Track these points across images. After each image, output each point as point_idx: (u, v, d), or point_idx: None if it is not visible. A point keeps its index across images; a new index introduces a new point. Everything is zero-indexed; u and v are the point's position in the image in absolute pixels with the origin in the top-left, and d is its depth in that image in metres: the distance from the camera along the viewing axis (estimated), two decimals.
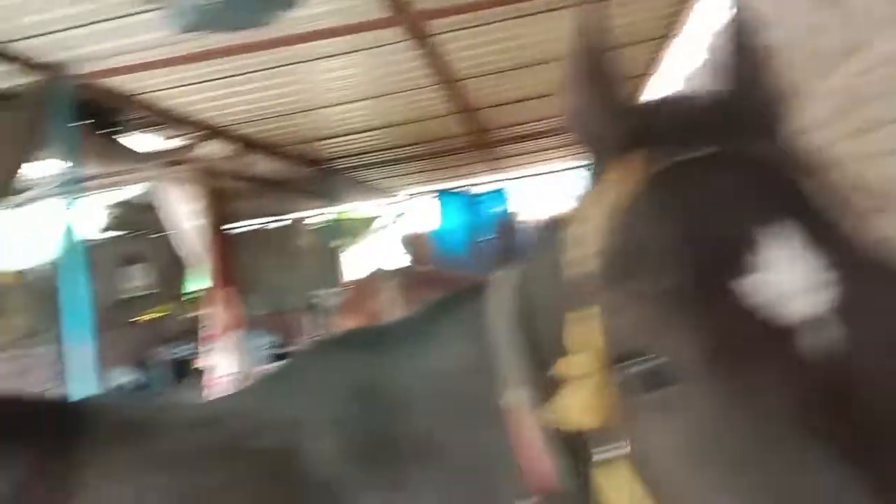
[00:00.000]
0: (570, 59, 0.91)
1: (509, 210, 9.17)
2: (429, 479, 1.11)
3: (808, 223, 0.77)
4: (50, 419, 1.45)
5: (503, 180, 9.30)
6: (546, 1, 3.58)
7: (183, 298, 8.37)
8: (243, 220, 7.03)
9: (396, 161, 7.60)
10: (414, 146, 7.12)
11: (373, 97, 5.21)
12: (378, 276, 5.13)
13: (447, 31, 4.01)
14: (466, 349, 1.14)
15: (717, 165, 0.83)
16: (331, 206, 8.14)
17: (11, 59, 3.40)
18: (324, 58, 4.18)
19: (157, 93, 4.24)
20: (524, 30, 4.17)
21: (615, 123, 0.90)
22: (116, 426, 1.40)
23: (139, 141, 4.74)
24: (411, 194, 9.59)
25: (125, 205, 6.88)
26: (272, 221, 8.66)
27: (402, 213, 9.68)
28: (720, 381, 0.71)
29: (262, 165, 6.19)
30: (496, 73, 4.97)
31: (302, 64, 4.24)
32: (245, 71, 4.18)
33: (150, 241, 7.89)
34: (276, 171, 6.68)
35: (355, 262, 9.32)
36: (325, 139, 6.29)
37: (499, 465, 1.05)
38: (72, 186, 3.82)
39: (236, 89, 4.49)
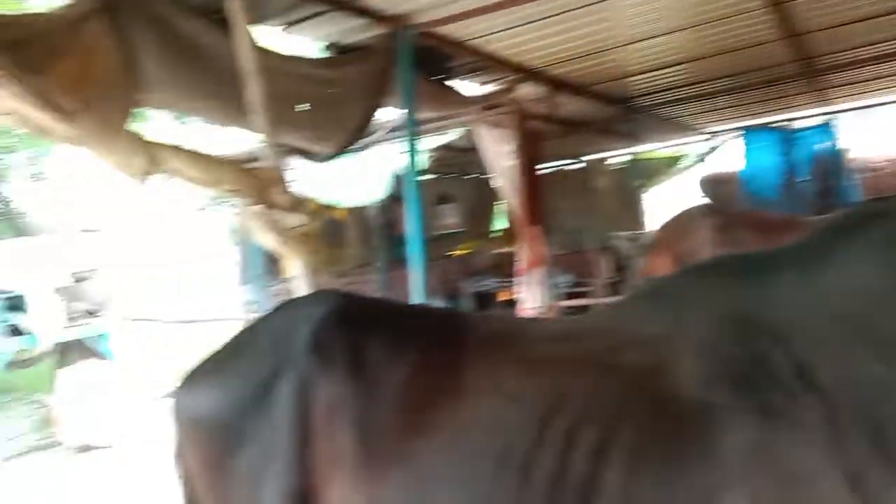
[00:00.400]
0: None
1: (836, 147, 8.08)
2: (810, 409, 1.07)
3: None
4: (435, 322, 1.68)
5: (829, 114, 8.23)
6: None
7: (489, 236, 8.92)
8: (550, 160, 7.19)
9: (705, 96, 7.15)
10: (725, 79, 6.62)
11: (684, 28, 4.94)
12: (691, 216, 4.94)
13: None
14: (879, 276, 1.07)
15: None
16: (633, 145, 7.96)
17: (363, 13, 3.80)
18: None
19: (482, 38, 4.49)
20: None
21: None
22: (491, 333, 1.58)
23: (463, 86, 5.08)
24: (719, 131, 8.98)
25: (442, 147, 7.46)
26: (574, 162, 8.75)
27: (709, 152, 9.11)
28: None
29: (569, 106, 6.26)
30: None
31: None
32: (558, 11, 4.23)
33: (461, 182, 8.50)
34: (582, 112, 6.72)
35: (658, 203, 9.06)
36: (630, 76, 6.14)
37: None
38: (409, 130, 4.22)
39: (549, 30, 4.57)
